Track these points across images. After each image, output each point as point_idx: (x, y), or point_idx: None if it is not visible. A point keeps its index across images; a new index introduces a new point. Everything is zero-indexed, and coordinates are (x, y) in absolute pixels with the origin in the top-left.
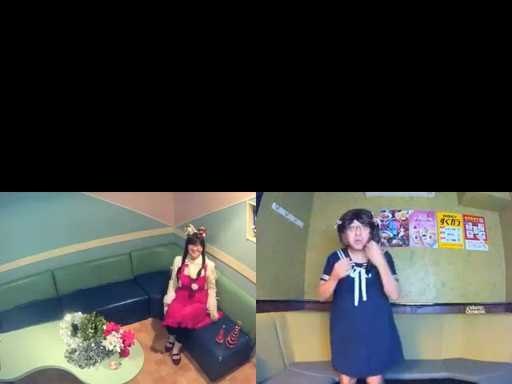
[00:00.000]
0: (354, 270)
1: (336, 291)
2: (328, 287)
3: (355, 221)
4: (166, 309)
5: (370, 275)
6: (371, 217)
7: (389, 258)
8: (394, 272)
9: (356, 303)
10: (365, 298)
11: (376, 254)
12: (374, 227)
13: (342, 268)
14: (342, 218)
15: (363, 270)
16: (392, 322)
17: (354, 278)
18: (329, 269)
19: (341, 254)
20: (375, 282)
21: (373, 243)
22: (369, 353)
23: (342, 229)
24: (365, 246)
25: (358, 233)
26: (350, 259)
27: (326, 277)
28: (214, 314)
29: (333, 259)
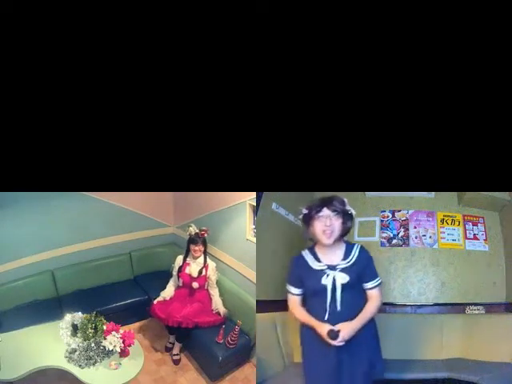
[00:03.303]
0: (327, 276)
1: (306, 302)
2: (300, 318)
3: (325, 209)
4: (158, 299)
5: (348, 279)
6: (344, 204)
7: (367, 260)
8: (375, 275)
9: (326, 317)
10: (339, 308)
11: (351, 331)
12: (347, 216)
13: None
14: (309, 207)
15: (339, 274)
16: (376, 331)
17: (325, 286)
18: (294, 277)
19: (307, 256)
20: (355, 285)
21: (344, 333)
22: (351, 373)
23: (308, 220)
24: (335, 241)
25: (327, 223)
26: (319, 260)
27: (294, 289)
28: (224, 310)
29: (297, 263)
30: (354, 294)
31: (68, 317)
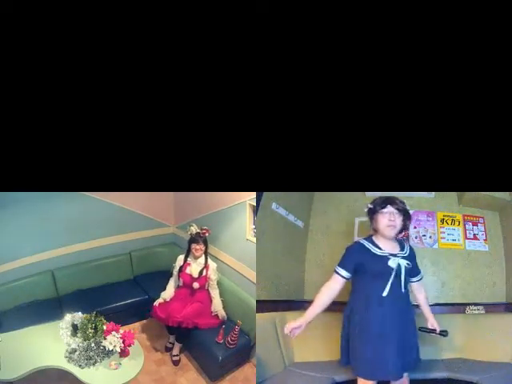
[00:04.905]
0: (393, 260)
1: (361, 282)
2: (317, 300)
3: (389, 206)
4: (159, 301)
5: (410, 265)
6: (404, 204)
7: (415, 256)
8: (419, 270)
9: (385, 293)
10: (403, 290)
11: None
12: (407, 215)
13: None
14: (373, 203)
15: (402, 260)
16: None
17: (392, 268)
18: (349, 261)
19: (368, 245)
20: (409, 273)
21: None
22: (404, 350)
23: (372, 214)
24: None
25: (392, 218)
26: (379, 248)
27: (345, 272)
28: (222, 314)
29: (358, 250)
30: (408, 282)
31: (68, 317)
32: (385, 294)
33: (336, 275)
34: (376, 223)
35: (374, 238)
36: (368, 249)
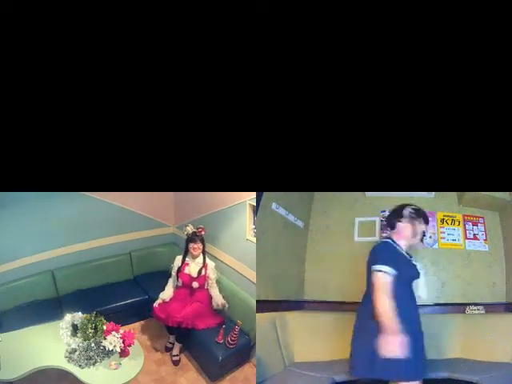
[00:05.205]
0: (418, 265)
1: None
2: (385, 309)
3: (421, 218)
4: (158, 301)
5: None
6: None
7: None
8: None
9: (417, 295)
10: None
11: None
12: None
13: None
14: (414, 208)
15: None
16: None
17: (419, 273)
18: (391, 258)
19: (395, 245)
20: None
21: None
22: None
23: (413, 219)
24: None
25: (423, 227)
26: (405, 251)
27: (391, 270)
28: (223, 302)
29: (390, 249)
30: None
31: (68, 317)
32: (417, 295)
33: (384, 275)
34: (416, 228)
35: (396, 240)
36: (397, 249)
